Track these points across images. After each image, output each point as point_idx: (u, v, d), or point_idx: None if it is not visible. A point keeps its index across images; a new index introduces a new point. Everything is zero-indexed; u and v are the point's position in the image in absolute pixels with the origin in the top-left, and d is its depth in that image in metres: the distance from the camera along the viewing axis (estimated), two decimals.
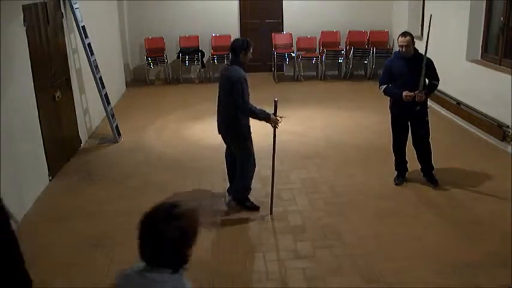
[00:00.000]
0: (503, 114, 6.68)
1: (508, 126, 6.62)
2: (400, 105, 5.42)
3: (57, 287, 4.01)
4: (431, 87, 5.50)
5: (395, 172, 5.82)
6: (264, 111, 4.82)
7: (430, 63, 5.34)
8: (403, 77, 5.34)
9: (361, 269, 4.14)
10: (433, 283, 3.93)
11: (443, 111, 8.30)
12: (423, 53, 5.30)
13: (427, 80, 5.46)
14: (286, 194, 5.55)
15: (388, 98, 5.66)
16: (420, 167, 5.75)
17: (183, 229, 1.97)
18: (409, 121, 5.55)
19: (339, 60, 11.22)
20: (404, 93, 5.27)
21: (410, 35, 5.36)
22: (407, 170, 5.82)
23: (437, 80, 5.47)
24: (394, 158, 5.80)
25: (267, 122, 4.85)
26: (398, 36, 5.39)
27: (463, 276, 3.98)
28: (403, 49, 5.31)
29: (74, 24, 7.07)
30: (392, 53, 10.58)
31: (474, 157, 6.52)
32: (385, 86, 5.50)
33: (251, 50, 4.82)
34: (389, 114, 5.68)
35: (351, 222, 4.93)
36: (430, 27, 5.38)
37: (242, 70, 4.78)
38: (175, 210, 1.98)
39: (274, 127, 4.89)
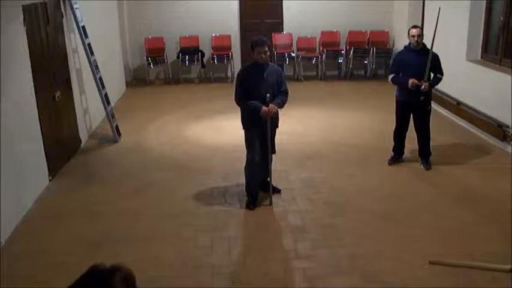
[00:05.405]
0: (503, 114, 6.68)
1: (508, 126, 6.62)
2: (406, 93, 5.91)
3: (57, 287, 4.01)
4: (436, 80, 6.00)
5: (392, 153, 6.30)
6: (256, 104, 4.96)
7: (436, 57, 5.86)
8: (411, 68, 5.82)
9: (361, 269, 4.14)
10: (432, 283, 3.93)
11: (444, 111, 8.29)
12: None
13: (432, 74, 5.93)
14: (286, 194, 5.55)
15: (390, 95, 5.95)
16: (418, 149, 6.21)
17: None
18: (413, 108, 6.01)
19: (339, 60, 11.22)
20: (411, 80, 5.74)
21: (421, 27, 5.95)
22: (403, 153, 6.34)
23: (442, 74, 5.99)
24: (393, 143, 6.28)
25: (259, 114, 4.97)
26: (410, 29, 5.91)
27: (463, 276, 3.98)
28: (416, 39, 5.79)
29: (74, 24, 7.07)
30: (393, 53, 10.70)
31: (474, 157, 6.53)
32: (393, 75, 6.02)
33: (256, 49, 5.02)
34: (395, 102, 6.15)
35: (351, 222, 4.93)
36: (437, 22, 5.73)
37: (248, 65, 5.20)
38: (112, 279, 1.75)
39: (266, 118, 5.01)
